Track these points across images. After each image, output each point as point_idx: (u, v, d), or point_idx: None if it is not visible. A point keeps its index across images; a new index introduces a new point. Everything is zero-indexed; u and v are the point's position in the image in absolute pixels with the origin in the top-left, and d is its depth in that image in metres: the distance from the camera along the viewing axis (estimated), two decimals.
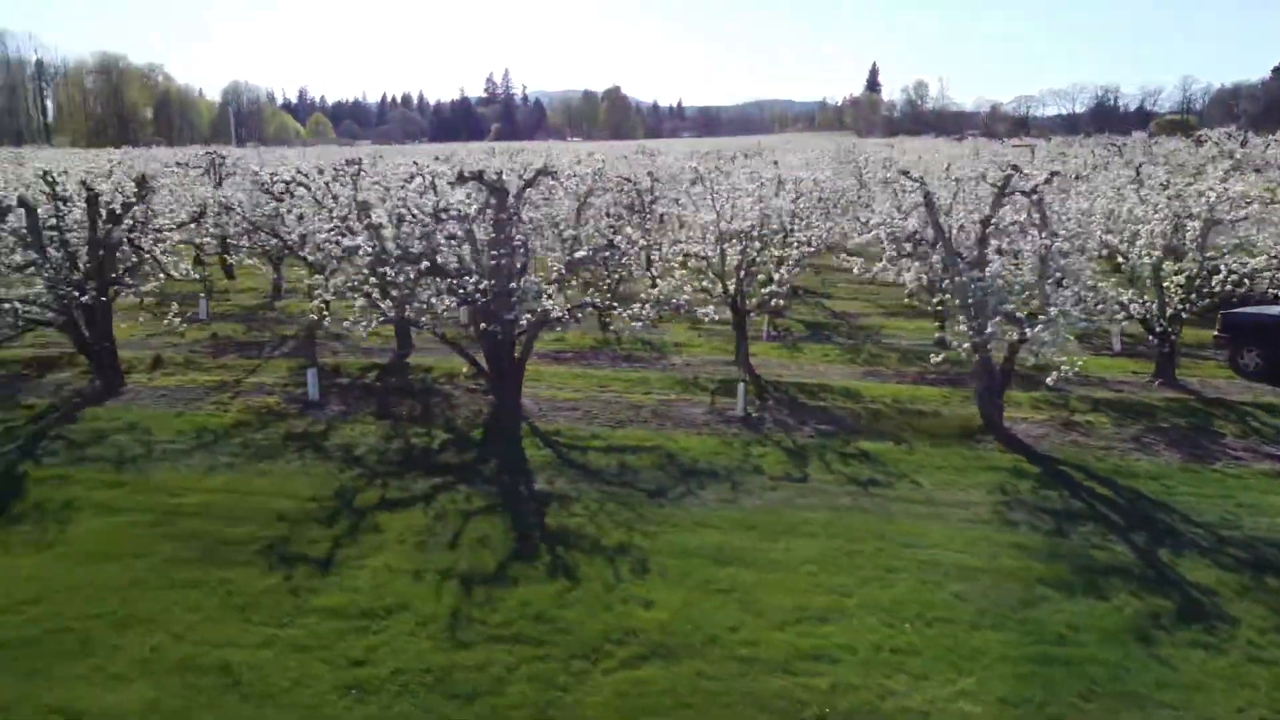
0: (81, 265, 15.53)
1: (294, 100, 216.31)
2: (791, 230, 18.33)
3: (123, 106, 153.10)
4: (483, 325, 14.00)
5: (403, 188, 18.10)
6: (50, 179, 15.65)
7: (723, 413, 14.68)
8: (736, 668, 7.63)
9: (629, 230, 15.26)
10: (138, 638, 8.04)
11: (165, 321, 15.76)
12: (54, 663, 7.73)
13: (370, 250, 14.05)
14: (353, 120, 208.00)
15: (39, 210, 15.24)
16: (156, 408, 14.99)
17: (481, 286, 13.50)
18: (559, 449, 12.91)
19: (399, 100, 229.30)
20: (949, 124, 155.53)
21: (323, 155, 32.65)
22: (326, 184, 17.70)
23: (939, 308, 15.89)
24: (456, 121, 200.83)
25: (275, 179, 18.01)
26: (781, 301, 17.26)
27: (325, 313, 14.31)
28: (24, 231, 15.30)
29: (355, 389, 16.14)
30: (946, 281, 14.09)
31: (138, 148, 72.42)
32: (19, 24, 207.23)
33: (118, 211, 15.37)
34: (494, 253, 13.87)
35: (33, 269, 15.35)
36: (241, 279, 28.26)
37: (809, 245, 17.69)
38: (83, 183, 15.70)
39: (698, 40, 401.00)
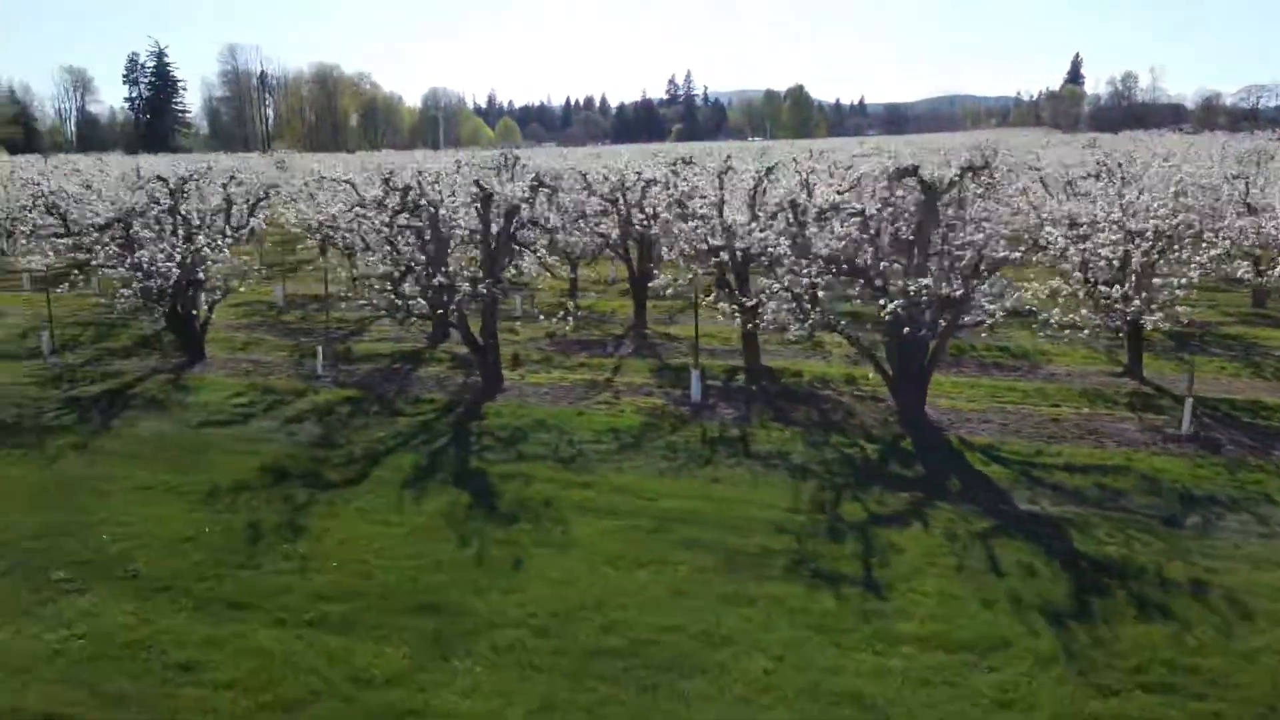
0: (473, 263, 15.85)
1: (483, 105, 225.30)
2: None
3: (335, 114, 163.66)
4: (906, 329, 13.20)
5: (754, 185, 17.69)
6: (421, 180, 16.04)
7: (1160, 430, 13.32)
8: None
9: (1049, 230, 14.11)
10: (736, 657, 7.63)
11: (557, 319, 15.88)
12: (664, 678, 7.41)
13: (790, 252, 13.54)
14: (538, 123, 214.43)
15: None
16: (544, 404, 15.04)
17: (908, 288, 12.71)
18: (1009, 464, 11.93)
19: (581, 103, 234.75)
20: (1163, 117, 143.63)
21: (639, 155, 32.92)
22: (695, 184, 17.41)
23: None
24: (638, 123, 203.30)
25: (626, 179, 17.85)
26: (1189, 309, 15.65)
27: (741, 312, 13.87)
28: (424, 229, 15.74)
29: (733, 391, 15.72)
30: None
31: (350, 151, 76.63)
32: (248, 38, 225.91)
33: (521, 209, 15.55)
34: (929, 251, 13.05)
35: (428, 267, 15.76)
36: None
37: (1216, 247, 15.94)
38: (476, 182, 15.99)
39: (878, 36, 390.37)
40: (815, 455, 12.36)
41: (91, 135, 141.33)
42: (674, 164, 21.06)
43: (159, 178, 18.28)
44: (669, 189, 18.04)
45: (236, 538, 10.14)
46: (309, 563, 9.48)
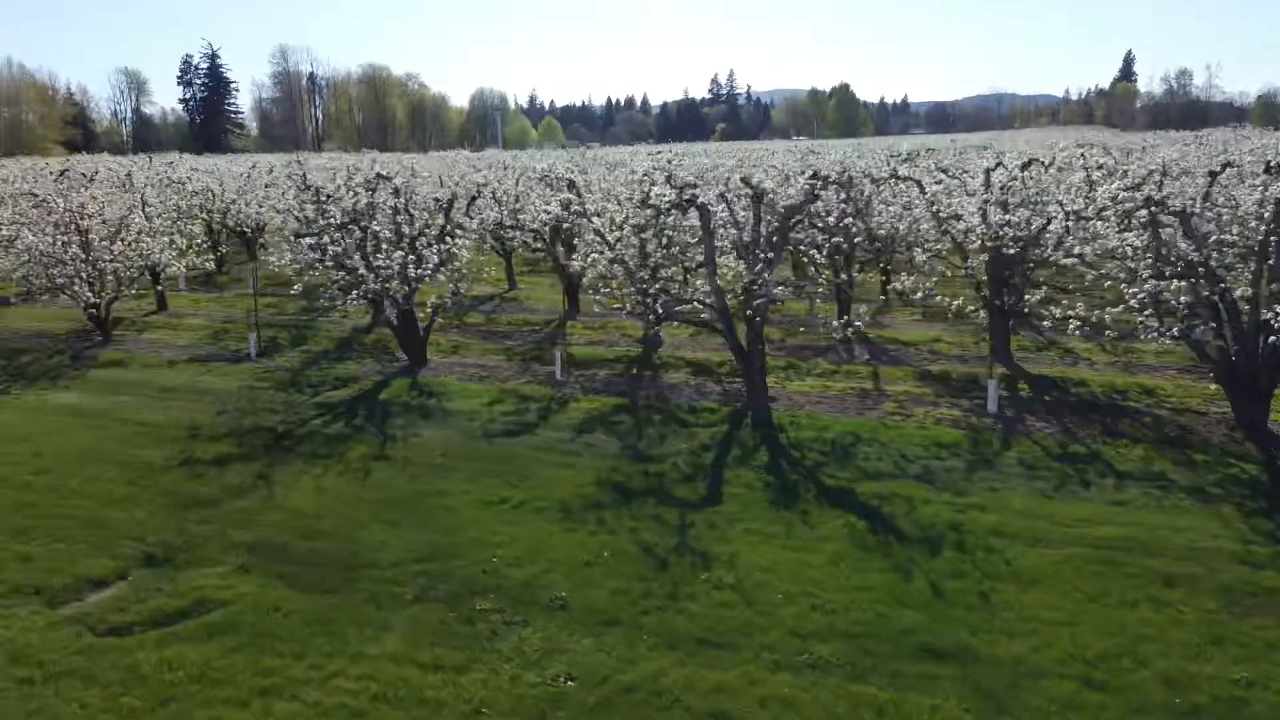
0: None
1: (525, 105, 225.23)
2: None
3: (384, 114, 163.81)
4: (1272, 339, 12.14)
5: (1010, 178, 16.68)
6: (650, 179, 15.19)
7: None
8: None
9: None
10: None
11: (825, 325, 14.95)
12: None
13: (1144, 254, 12.55)
14: (580, 123, 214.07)
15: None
16: (828, 414, 14.16)
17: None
18: None
19: (623, 103, 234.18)
20: (1224, 116, 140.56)
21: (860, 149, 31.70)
22: (964, 180, 16.45)
23: None
24: (682, 123, 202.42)
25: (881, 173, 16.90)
26: None
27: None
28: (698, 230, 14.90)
29: (1023, 402, 14.67)
30: None
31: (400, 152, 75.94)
32: (298, 39, 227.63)
33: (805, 208, 14.66)
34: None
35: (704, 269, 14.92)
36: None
37: None
38: (743, 179, 15.12)
39: (918, 35, 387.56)
40: (1197, 477, 11.31)
41: (146, 136, 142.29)
42: (890, 161, 20.10)
43: (380, 175, 17.54)
44: (921, 189, 17.06)
45: (635, 562, 9.29)
46: (746, 593, 8.60)
